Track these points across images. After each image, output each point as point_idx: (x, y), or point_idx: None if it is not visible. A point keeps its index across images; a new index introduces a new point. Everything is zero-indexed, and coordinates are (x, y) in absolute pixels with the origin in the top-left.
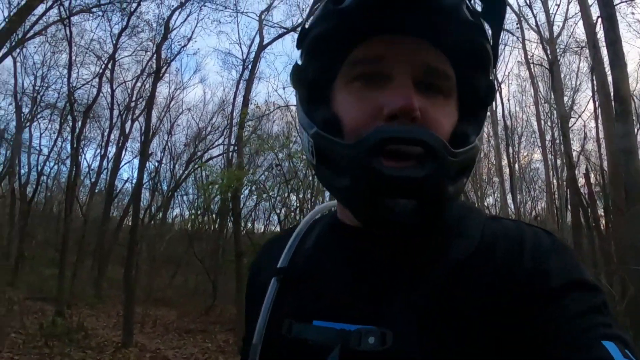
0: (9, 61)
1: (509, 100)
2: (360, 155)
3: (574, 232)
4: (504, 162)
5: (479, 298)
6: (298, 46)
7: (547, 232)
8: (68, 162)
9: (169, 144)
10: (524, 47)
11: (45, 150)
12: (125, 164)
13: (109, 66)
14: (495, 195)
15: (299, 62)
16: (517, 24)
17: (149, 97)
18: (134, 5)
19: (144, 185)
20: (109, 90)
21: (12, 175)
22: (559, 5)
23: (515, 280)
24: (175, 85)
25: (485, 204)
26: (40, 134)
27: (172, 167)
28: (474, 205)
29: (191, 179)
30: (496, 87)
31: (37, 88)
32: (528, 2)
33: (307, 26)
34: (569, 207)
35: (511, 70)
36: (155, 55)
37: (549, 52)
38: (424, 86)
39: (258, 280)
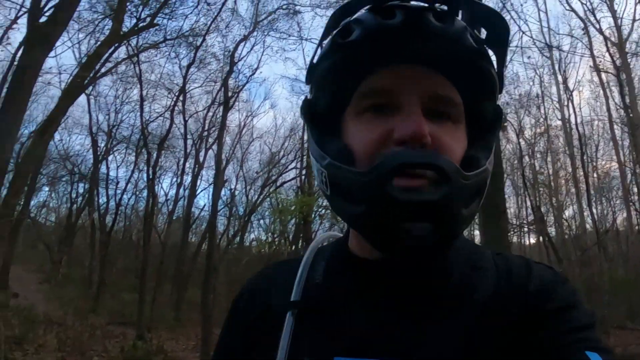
0: (82, 98)
1: (580, 109)
2: (375, 182)
3: None
4: (580, 173)
5: (503, 328)
6: (307, 81)
7: (550, 267)
8: (145, 191)
9: (243, 170)
10: (591, 53)
11: (122, 182)
12: (201, 191)
13: (180, 98)
14: (574, 207)
15: (309, 97)
16: (583, 30)
17: (219, 129)
18: (200, 39)
19: (220, 212)
20: (182, 120)
21: (91, 207)
22: (619, 14)
23: (522, 304)
24: (247, 112)
25: (564, 216)
26: (117, 167)
27: (247, 192)
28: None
29: (267, 203)
30: (502, 111)
31: (111, 123)
32: (590, 7)
33: (315, 61)
34: None
35: (583, 77)
36: (223, 87)
37: (615, 57)
38: (433, 113)
39: (257, 308)
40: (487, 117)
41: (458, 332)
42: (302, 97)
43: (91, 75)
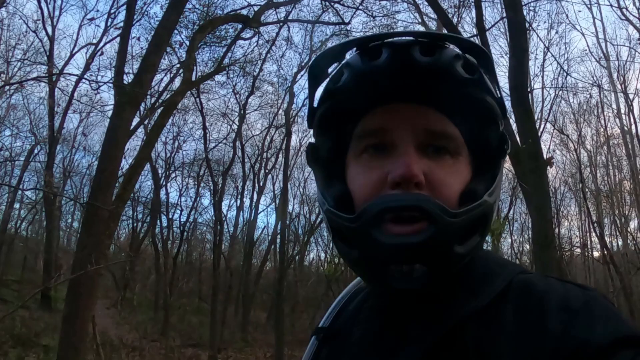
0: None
1: None
2: (363, 227)
3: None
4: None
5: (483, 354)
6: (309, 125)
7: (580, 286)
8: (204, 215)
9: (301, 192)
10: None
11: (184, 209)
12: (261, 212)
13: (236, 123)
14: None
15: (313, 141)
16: (639, 39)
17: (283, 169)
18: (256, 68)
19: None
20: (239, 145)
21: (153, 233)
22: None
23: (542, 345)
24: (302, 133)
25: (628, 228)
26: (180, 194)
27: (306, 212)
28: (510, 261)
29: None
30: (507, 138)
31: (169, 151)
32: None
33: (315, 105)
34: None
35: None
36: (285, 116)
37: None
38: (431, 149)
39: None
40: (492, 145)
41: (418, 354)
42: None
43: (149, 106)
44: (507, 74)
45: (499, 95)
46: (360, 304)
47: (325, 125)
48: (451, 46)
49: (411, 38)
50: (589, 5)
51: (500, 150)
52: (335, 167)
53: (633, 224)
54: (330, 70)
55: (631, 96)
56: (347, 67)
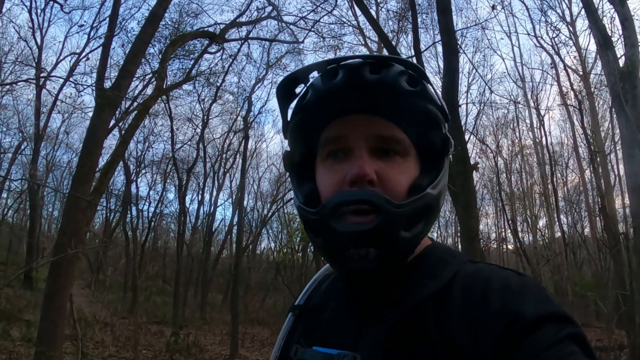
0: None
1: (550, 133)
2: (323, 219)
3: (613, 256)
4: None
5: (440, 330)
6: (285, 136)
7: (518, 273)
8: (169, 207)
9: (258, 189)
10: (559, 84)
11: (149, 200)
12: (219, 205)
13: (200, 127)
14: (546, 218)
15: (288, 149)
16: (551, 64)
17: (241, 170)
18: (219, 79)
19: (235, 224)
20: (202, 146)
21: (124, 222)
22: (584, 47)
23: (484, 319)
24: (257, 138)
25: (538, 226)
26: (149, 188)
27: (259, 207)
28: (459, 251)
29: (275, 216)
30: (449, 139)
31: (140, 150)
32: (557, 48)
33: (288, 119)
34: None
35: (553, 101)
36: (243, 123)
37: (578, 91)
38: (382, 152)
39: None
40: (436, 146)
41: (382, 335)
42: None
43: (124, 110)
44: (439, 90)
45: (441, 103)
46: (331, 286)
47: (297, 135)
48: (397, 65)
49: (361, 60)
50: (509, 34)
51: (444, 150)
52: (306, 170)
53: (542, 222)
54: (298, 90)
55: (542, 112)
56: (312, 87)
